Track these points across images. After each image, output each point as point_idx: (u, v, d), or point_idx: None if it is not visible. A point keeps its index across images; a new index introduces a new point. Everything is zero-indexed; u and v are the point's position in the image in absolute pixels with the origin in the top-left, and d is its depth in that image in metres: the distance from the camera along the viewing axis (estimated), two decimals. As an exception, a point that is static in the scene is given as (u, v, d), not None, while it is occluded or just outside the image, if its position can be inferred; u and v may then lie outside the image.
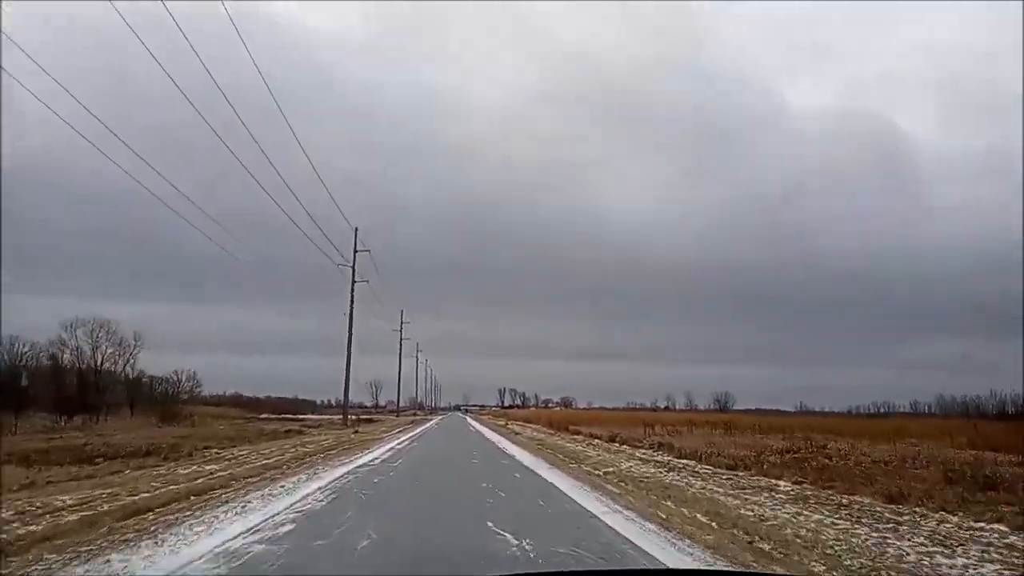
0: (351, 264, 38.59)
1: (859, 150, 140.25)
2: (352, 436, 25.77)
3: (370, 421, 46.01)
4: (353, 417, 38.12)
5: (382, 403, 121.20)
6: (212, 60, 16.63)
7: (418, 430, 33.18)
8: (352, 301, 38.43)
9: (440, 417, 64.40)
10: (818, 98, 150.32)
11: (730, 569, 4.99)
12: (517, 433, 32.23)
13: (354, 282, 38.64)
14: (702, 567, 4.90)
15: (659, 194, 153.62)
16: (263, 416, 52.12)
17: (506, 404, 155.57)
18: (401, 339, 64.79)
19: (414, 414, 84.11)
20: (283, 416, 53.84)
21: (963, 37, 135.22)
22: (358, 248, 38.42)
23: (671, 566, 4.80)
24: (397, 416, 58.86)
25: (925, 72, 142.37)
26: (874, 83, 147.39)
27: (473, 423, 47.95)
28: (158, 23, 14.78)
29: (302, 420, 45.34)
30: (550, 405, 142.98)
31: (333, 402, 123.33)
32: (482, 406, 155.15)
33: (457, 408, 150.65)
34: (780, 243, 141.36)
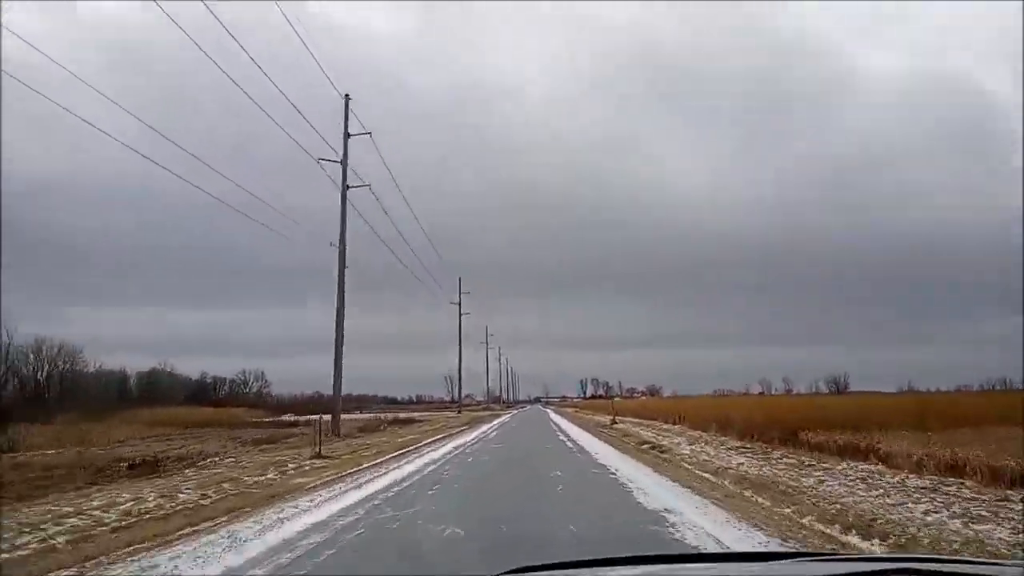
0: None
1: (939, 114, 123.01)
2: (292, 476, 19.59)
3: (399, 424, 39.91)
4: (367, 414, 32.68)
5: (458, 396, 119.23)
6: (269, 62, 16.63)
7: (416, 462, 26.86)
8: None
9: (513, 413, 57.93)
10: (893, 60, 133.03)
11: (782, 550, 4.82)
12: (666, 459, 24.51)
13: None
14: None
15: (720, 170, 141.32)
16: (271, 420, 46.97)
17: (588, 395, 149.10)
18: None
19: (487, 408, 78.29)
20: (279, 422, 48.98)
21: None
22: (351, 132, 23.51)
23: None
24: (459, 412, 52.76)
25: (1005, 27, 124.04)
26: (953, 41, 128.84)
27: (558, 422, 33.62)
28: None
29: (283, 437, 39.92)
30: (635, 395, 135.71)
31: (416, 398, 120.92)
32: (563, 397, 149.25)
33: (537, 400, 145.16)
34: (863, 217, 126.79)
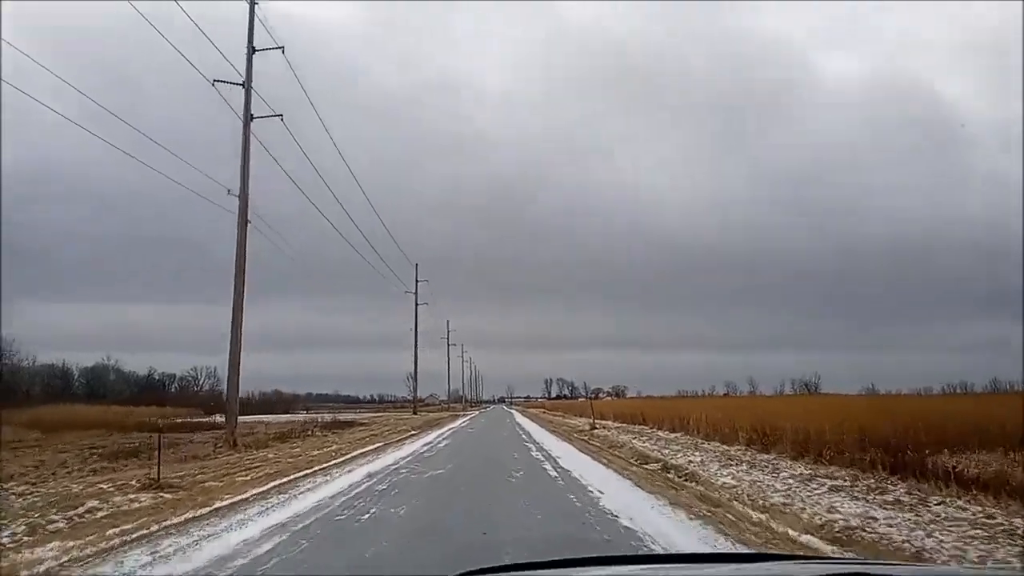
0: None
1: (897, 118, 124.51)
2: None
3: (331, 430, 34.12)
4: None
5: (422, 395, 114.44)
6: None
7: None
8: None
9: (475, 415, 52.27)
10: (852, 64, 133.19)
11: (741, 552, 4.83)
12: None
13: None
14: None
15: (685, 171, 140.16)
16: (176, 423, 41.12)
17: (553, 395, 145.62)
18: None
19: (448, 408, 72.51)
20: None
21: None
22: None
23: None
24: (414, 412, 46.87)
25: (963, 34, 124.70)
26: (911, 46, 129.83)
27: (526, 427, 28.26)
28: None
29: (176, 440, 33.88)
30: (601, 395, 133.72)
31: (377, 397, 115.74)
32: (527, 397, 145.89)
33: (501, 400, 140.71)
34: (815, 220, 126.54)
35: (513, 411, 64.27)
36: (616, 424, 25.60)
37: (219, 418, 42.70)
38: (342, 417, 36.88)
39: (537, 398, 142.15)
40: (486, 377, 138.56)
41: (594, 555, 2.17)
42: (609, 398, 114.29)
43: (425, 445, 17.55)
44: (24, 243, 72.66)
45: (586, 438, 19.74)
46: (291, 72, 17.79)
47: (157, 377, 74.13)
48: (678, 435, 19.08)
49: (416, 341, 46.53)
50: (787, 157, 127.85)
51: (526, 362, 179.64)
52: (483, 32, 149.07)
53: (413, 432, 24.58)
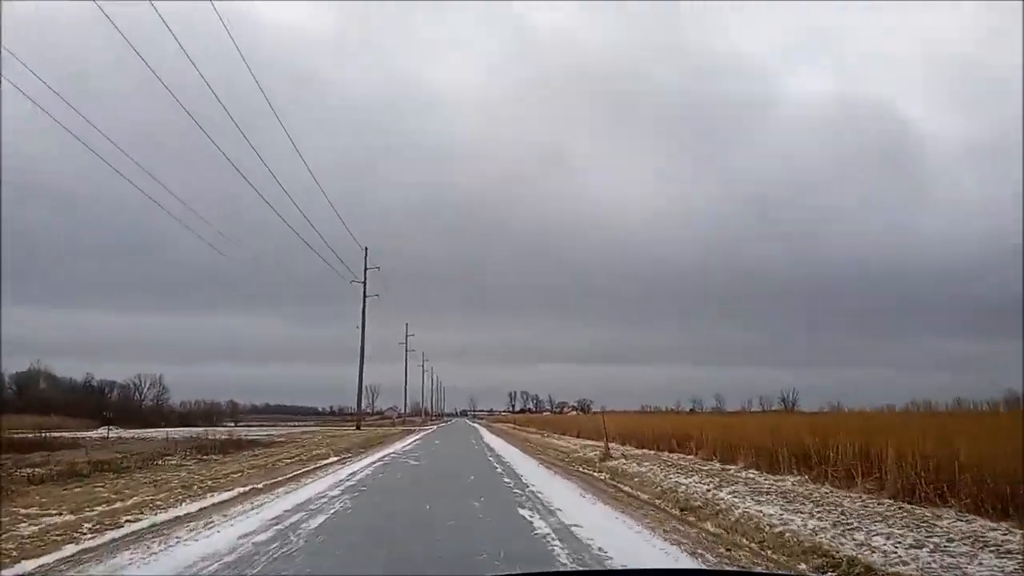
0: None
1: (861, 138, 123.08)
2: None
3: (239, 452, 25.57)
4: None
5: (382, 407, 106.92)
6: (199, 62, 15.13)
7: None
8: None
9: (432, 429, 43.47)
10: (817, 84, 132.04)
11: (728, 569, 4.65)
12: None
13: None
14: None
15: (653, 186, 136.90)
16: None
17: (517, 408, 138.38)
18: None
19: (405, 422, 63.55)
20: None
21: (966, 19, 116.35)
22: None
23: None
24: (357, 428, 37.45)
25: (926, 55, 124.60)
26: (874, 67, 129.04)
27: (499, 451, 19.58)
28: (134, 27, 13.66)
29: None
30: (566, 409, 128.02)
31: (336, 409, 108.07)
32: (491, 411, 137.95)
33: (464, 414, 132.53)
34: (781, 236, 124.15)
35: (477, 426, 55.67)
36: (635, 450, 17.47)
37: (112, 432, 33.65)
38: (256, 435, 27.96)
39: (501, 411, 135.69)
40: (448, 389, 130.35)
41: (552, 570, 2.28)
42: (574, 413, 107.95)
43: (331, 489, 9.09)
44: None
45: (600, 477, 11.59)
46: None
47: (95, 384, 65.36)
48: (694, 456, 11.29)
49: (363, 338, 37.92)
50: (756, 173, 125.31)
51: (490, 375, 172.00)
52: (453, 42, 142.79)
53: (337, 458, 16.11)
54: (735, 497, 8.79)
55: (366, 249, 38.33)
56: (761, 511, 7.78)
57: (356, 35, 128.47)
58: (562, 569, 4.44)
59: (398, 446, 21.91)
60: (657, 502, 9.27)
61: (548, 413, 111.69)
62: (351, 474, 11.48)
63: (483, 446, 21.97)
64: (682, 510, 8.52)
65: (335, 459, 16.82)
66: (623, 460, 14.54)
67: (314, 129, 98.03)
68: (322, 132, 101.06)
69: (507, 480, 10.49)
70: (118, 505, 8.37)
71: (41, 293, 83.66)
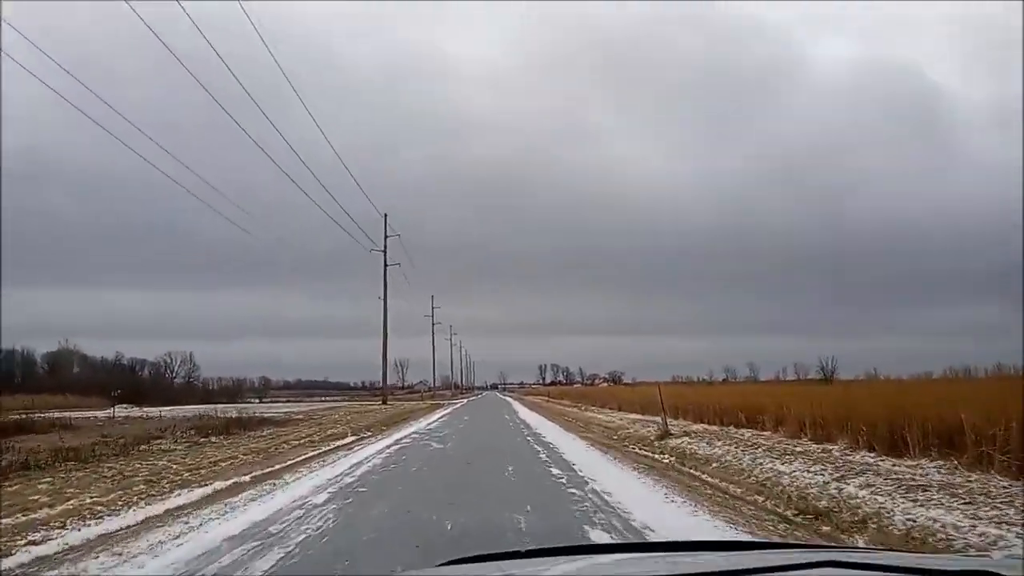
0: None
1: (888, 103, 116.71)
2: None
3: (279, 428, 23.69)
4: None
5: (412, 382, 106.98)
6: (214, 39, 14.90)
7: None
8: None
9: (463, 403, 41.47)
10: (842, 48, 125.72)
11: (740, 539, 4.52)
12: None
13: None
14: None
15: (676, 155, 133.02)
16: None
17: (548, 381, 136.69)
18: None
19: (434, 396, 61.94)
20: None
21: None
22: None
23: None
24: (384, 403, 35.44)
25: (954, 17, 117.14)
26: (901, 31, 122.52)
27: (538, 430, 16.50)
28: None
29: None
30: (597, 381, 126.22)
31: (367, 384, 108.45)
32: (521, 383, 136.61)
33: (494, 387, 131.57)
34: (806, 204, 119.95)
35: (509, 399, 53.65)
36: (694, 425, 15.00)
37: (126, 410, 32.41)
38: (275, 412, 26.18)
39: (531, 384, 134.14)
40: (478, 363, 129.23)
41: (566, 544, 2.08)
42: (605, 384, 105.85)
43: (290, 504, 6.78)
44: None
45: (699, 475, 9.15)
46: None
47: (126, 363, 65.05)
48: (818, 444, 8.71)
49: (385, 309, 35.85)
50: (780, 140, 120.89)
51: (519, 348, 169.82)
52: (469, 14, 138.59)
53: (332, 445, 13.97)
54: (876, 495, 6.29)
55: (385, 216, 36.16)
56: (935, 519, 5.29)
57: (370, 8, 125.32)
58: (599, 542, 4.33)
59: (423, 423, 19.77)
60: (758, 499, 6.85)
61: (579, 385, 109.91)
62: (355, 464, 9.20)
63: (517, 422, 19.70)
64: (802, 514, 6.09)
65: (351, 439, 14.70)
66: (687, 438, 12.09)
67: (330, 105, 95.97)
68: (338, 108, 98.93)
69: (555, 471, 8.11)
70: (40, 514, 6.23)
71: (69, 275, 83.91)
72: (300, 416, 23.41)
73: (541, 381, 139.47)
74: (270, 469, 9.17)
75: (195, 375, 70.31)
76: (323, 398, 56.85)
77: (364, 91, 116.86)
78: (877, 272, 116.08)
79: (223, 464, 10.00)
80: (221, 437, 15.11)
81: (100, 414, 25.41)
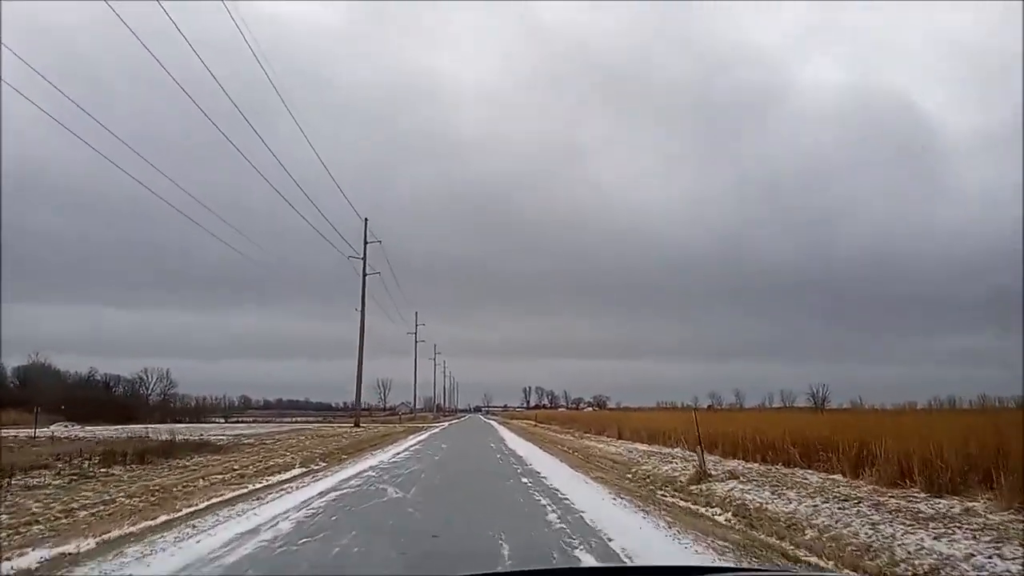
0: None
1: (875, 129, 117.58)
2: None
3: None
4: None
5: (394, 403, 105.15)
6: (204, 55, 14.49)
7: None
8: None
9: (443, 427, 37.90)
10: (831, 74, 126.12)
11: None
12: None
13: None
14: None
15: (665, 178, 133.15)
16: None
17: (532, 404, 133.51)
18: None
19: (411, 417, 58.31)
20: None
21: (981, 8, 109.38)
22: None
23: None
24: (356, 425, 31.63)
25: (941, 45, 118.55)
26: (888, 57, 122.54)
27: (534, 465, 12.77)
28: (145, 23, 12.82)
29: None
30: (582, 405, 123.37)
31: (349, 405, 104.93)
32: (505, 407, 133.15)
33: (477, 410, 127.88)
34: (795, 229, 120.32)
35: (493, 423, 50.08)
36: (729, 462, 11.84)
37: (66, 429, 28.68)
38: (230, 434, 22.66)
39: (515, 407, 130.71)
40: (462, 385, 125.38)
41: (559, 567, 2.34)
42: (590, 408, 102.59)
43: None
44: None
45: (804, 558, 5.99)
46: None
47: (99, 378, 60.58)
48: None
49: (362, 321, 32.55)
50: (769, 164, 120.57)
51: (503, 370, 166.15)
52: (462, 35, 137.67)
53: (259, 485, 10.67)
54: None
55: (366, 220, 33.07)
56: None
57: (366, 28, 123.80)
58: (581, 566, 4.17)
59: (390, 453, 16.46)
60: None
61: (564, 409, 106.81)
62: (253, 530, 5.93)
63: (505, 453, 16.44)
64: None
65: (294, 473, 11.42)
66: (736, 483, 8.97)
67: (322, 123, 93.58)
68: (330, 126, 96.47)
69: (578, 548, 4.97)
70: None
71: (51, 290, 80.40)
72: (252, 440, 19.96)
73: (525, 404, 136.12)
74: (128, 531, 5.90)
75: (171, 392, 66.31)
76: (295, 419, 53.08)
77: (355, 110, 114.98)
78: (865, 298, 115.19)
79: (78, 518, 6.73)
80: (132, 466, 11.79)
81: (32, 433, 21.70)
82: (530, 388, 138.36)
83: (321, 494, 8.27)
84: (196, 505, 7.45)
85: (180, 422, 46.92)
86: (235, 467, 11.96)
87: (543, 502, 7.51)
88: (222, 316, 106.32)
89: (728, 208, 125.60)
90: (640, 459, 13.60)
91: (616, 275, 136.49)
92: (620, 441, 20.96)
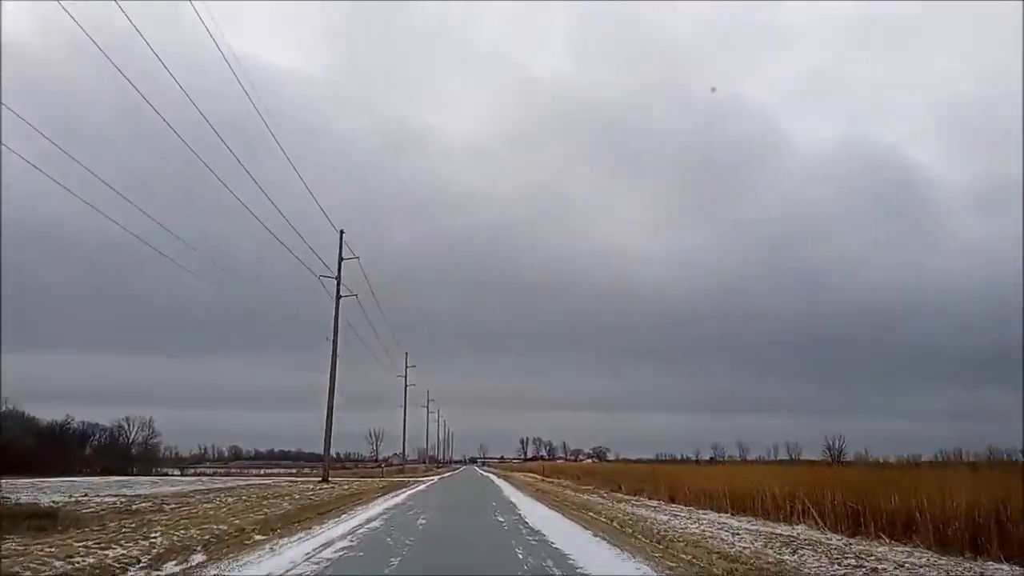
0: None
1: (869, 182, 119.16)
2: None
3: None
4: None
5: (387, 454, 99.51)
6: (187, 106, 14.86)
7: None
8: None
9: (425, 486, 31.18)
10: (824, 129, 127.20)
11: None
12: None
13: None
14: None
15: (657, 232, 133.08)
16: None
17: (529, 455, 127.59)
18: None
19: (400, 469, 51.47)
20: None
21: (973, 66, 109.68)
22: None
23: None
24: (323, 480, 24.85)
25: (931, 101, 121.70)
26: (882, 113, 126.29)
27: (545, 536, 9.21)
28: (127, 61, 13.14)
29: None
30: (580, 457, 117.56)
31: (340, 455, 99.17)
32: (501, 458, 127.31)
33: (473, 461, 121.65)
34: (788, 282, 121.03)
35: (492, 476, 43.40)
36: (838, 537, 5.83)
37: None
38: (155, 491, 16.56)
39: (511, 458, 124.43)
40: (457, 435, 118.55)
41: None
42: (590, 461, 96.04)
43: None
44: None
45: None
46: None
47: (75, 427, 57.38)
48: None
49: (335, 351, 26.52)
50: (763, 217, 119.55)
51: (499, 421, 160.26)
52: (452, 90, 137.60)
53: None
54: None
55: (341, 232, 27.58)
56: None
57: (353, 82, 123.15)
58: None
59: (347, 526, 10.30)
60: None
61: (563, 461, 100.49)
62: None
63: (519, 529, 10.29)
64: None
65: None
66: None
67: (311, 177, 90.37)
68: (319, 180, 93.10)
69: None
70: None
71: (36, 338, 75.11)
72: (172, 503, 13.63)
73: (523, 455, 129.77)
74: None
75: (152, 441, 60.37)
76: (264, 471, 46.57)
77: (345, 164, 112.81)
78: (860, 351, 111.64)
79: None
80: None
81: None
82: (527, 439, 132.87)
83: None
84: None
85: (128, 473, 40.73)
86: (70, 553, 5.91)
87: None
88: (209, 367, 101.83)
89: (722, 261, 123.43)
90: (745, 543, 7.52)
91: (612, 328, 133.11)
92: (674, 506, 14.77)
